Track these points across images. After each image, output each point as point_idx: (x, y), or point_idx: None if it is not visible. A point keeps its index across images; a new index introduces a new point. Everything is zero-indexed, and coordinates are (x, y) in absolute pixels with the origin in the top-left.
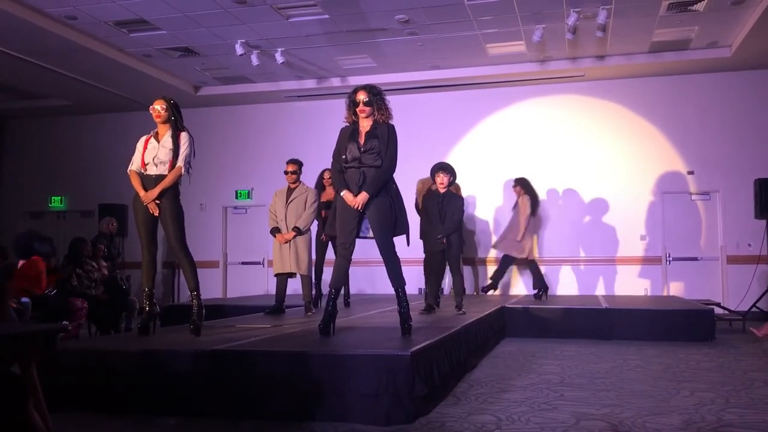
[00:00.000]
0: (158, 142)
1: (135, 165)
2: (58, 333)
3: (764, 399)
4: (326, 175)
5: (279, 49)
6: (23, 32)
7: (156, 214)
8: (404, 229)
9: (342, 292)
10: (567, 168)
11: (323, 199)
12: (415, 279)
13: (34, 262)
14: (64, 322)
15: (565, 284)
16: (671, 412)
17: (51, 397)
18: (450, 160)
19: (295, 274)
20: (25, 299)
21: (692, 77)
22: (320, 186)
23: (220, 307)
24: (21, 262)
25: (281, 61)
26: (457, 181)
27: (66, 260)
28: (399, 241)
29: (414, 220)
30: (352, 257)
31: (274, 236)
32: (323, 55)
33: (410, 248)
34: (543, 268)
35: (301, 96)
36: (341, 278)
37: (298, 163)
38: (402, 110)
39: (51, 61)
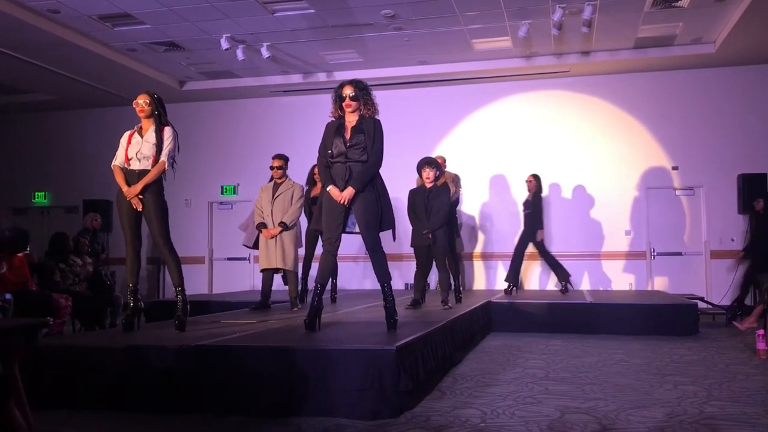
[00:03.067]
0: (142, 137)
1: (118, 160)
2: (40, 328)
3: (746, 392)
4: (317, 170)
5: (265, 44)
6: (5, 26)
7: (139, 209)
8: (390, 224)
9: (328, 287)
10: (552, 163)
11: (314, 193)
12: (401, 274)
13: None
14: (48, 319)
15: (550, 279)
16: (654, 405)
17: (35, 394)
18: (436, 155)
19: (282, 269)
20: (8, 295)
21: (677, 73)
22: (311, 181)
23: (206, 303)
24: None
25: (267, 56)
26: (452, 171)
27: (46, 255)
28: (385, 236)
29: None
30: (339, 252)
31: (261, 232)
32: (309, 50)
33: (396, 243)
34: (530, 264)
35: (287, 91)
36: (327, 273)
37: (284, 158)
38: (388, 105)
39: (34, 56)
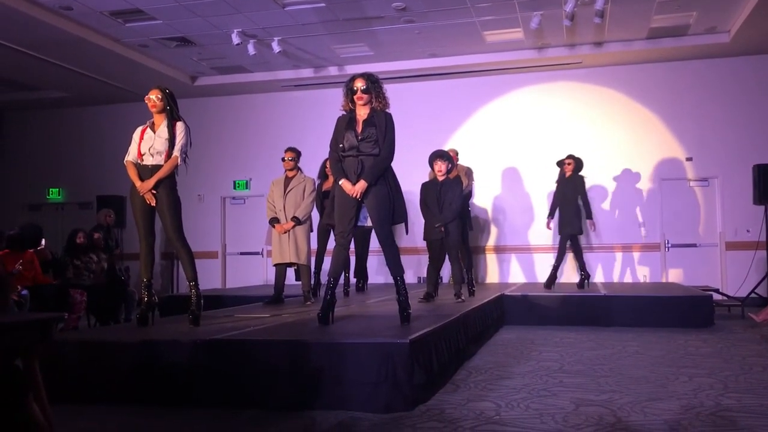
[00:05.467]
0: (154, 132)
1: (131, 155)
2: (55, 323)
3: (762, 383)
4: (329, 164)
5: (275, 38)
6: (18, 23)
7: (153, 204)
8: (402, 218)
9: (341, 281)
10: (564, 155)
11: (326, 187)
12: (413, 267)
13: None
14: (64, 314)
15: (565, 272)
16: (670, 397)
17: (51, 389)
18: (448, 148)
19: (295, 263)
20: (24, 291)
21: (691, 63)
22: (323, 175)
23: (219, 298)
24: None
25: (278, 51)
26: (465, 164)
27: (64, 250)
28: (397, 229)
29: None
30: (351, 246)
31: (273, 226)
32: (320, 44)
33: (409, 236)
34: (543, 256)
35: (298, 85)
36: (340, 267)
37: (296, 152)
38: (400, 99)
39: (47, 53)
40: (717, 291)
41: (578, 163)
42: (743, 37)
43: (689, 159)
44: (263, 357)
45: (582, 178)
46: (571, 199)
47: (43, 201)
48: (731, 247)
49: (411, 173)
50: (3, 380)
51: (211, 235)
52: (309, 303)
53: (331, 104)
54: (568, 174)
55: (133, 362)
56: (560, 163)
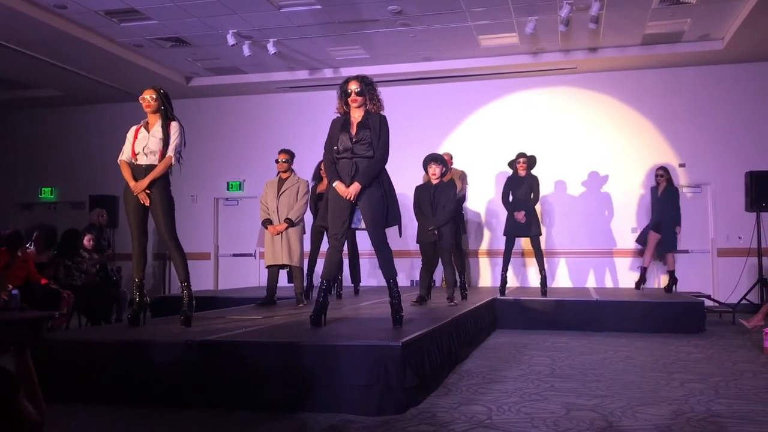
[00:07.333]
0: (148, 131)
1: (125, 155)
2: (45, 321)
3: (753, 389)
4: (323, 166)
5: (271, 40)
6: (12, 21)
7: (146, 204)
8: (396, 220)
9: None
10: (558, 160)
11: (320, 190)
12: (406, 270)
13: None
14: (55, 313)
15: (557, 277)
16: (661, 402)
17: (42, 389)
18: (442, 151)
19: (288, 265)
20: (14, 291)
21: (684, 70)
22: (317, 177)
23: (212, 299)
24: None
25: (273, 52)
26: (459, 168)
27: (57, 251)
28: (390, 232)
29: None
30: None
31: (266, 228)
32: (315, 46)
33: (402, 240)
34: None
35: (293, 87)
36: (333, 269)
37: (290, 153)
38: (394, 102)
39: (41, 51)
40: (708, 297)
41: (531, 162)
42: (737, 45)
43: (682, 165)
44: (255, 358)
45: (536, 177)
46: (525, 200)
47: (36, 200)
48: (723, 254)
49: (405, 176)
50: None
51: (204, 236)
52: (301, 305)
53: (325, 106)
54: (521, 174)
55: (124, 362)
56: (512, 164)
